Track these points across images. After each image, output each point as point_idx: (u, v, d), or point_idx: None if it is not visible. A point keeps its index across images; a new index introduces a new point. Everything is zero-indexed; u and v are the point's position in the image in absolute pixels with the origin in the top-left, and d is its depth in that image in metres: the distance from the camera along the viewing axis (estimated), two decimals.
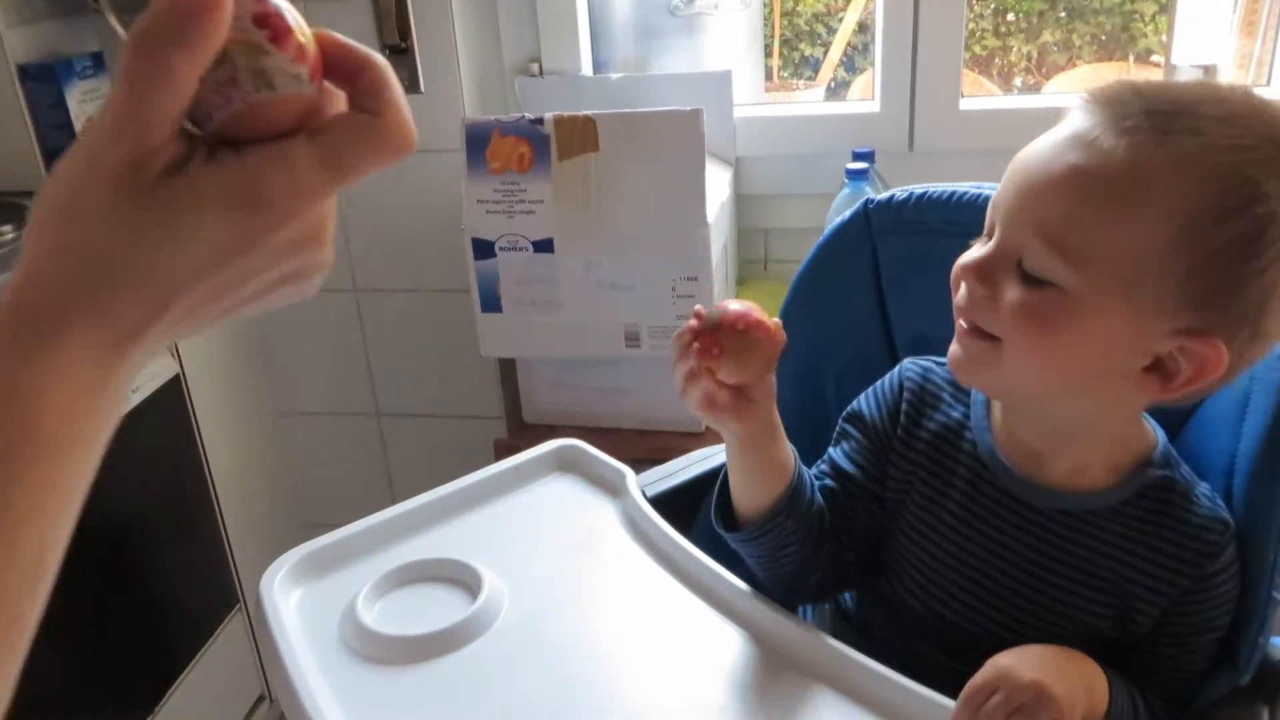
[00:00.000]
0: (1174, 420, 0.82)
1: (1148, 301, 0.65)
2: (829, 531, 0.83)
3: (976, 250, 0.72)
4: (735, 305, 0.73)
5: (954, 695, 0.67)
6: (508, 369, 1.67)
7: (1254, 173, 0.62)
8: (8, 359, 0.34)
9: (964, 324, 0.73)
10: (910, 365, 0.87)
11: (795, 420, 1.05)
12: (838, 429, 0.90)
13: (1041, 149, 0.69)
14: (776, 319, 0.74)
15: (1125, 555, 0.74)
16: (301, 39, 0.38)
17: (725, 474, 0.84)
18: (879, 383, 0.89)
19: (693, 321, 0.73)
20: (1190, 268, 0.64)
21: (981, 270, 0.70)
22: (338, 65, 0.39)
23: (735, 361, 0.72)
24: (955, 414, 0.83)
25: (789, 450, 0.81)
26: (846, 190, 1.49)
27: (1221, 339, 0.65)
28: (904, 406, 0.85)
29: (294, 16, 0.38)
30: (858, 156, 1.52)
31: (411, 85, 1.60)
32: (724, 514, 0.83)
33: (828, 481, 0.86)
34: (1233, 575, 0.74)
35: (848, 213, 1.00)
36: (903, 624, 0.84)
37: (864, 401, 0.89)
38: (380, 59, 0.40)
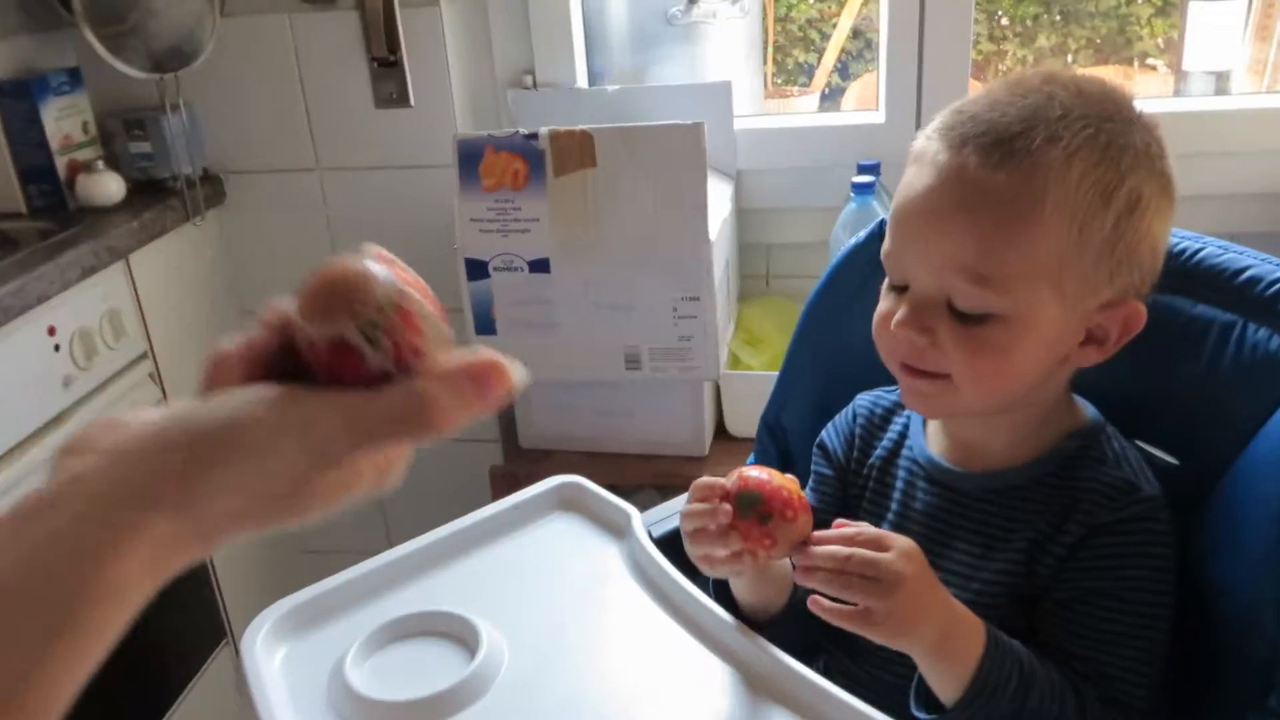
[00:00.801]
0: (1210, 468, 0.77)
1: (1074, 292, 0.71)
2: None
3: (893, 303, 0.75)
4: (760, 475, 0.73)
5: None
6: None
7: (1113, 154, 0.69)
8: (93, 524, 0.35)
9: (908, 369, 0.76)
10: (862, 397, 0.92)
11: (807, 447, 1.00)
12: (813, 457, 0.93)
13: (922, 193, 0.72)
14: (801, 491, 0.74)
15: (1035, 518, 0.77)
16: (415, 341, 0.39)
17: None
18: (839, 416, 0.93)
19: (725, 506, 0.72)
20: (1097, 252, 0.70)
21: (915, 321, 0.73)
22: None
23: (786, 548, 0.72)
24: (895, 432, 0.88)
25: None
26: (853, 205, 1.44)
27: (1135, 297, 0.73)
28: (856, 437, 0.90)
29: (428, 315, 0.39)
30: (863, 169, 1.47)
31: (401, 99, 1.55)
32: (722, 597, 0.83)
33: None
34: (1141, 541, 0.74)
35: (861, 234, 0.95)
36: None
37: (827, 432, 0.93)
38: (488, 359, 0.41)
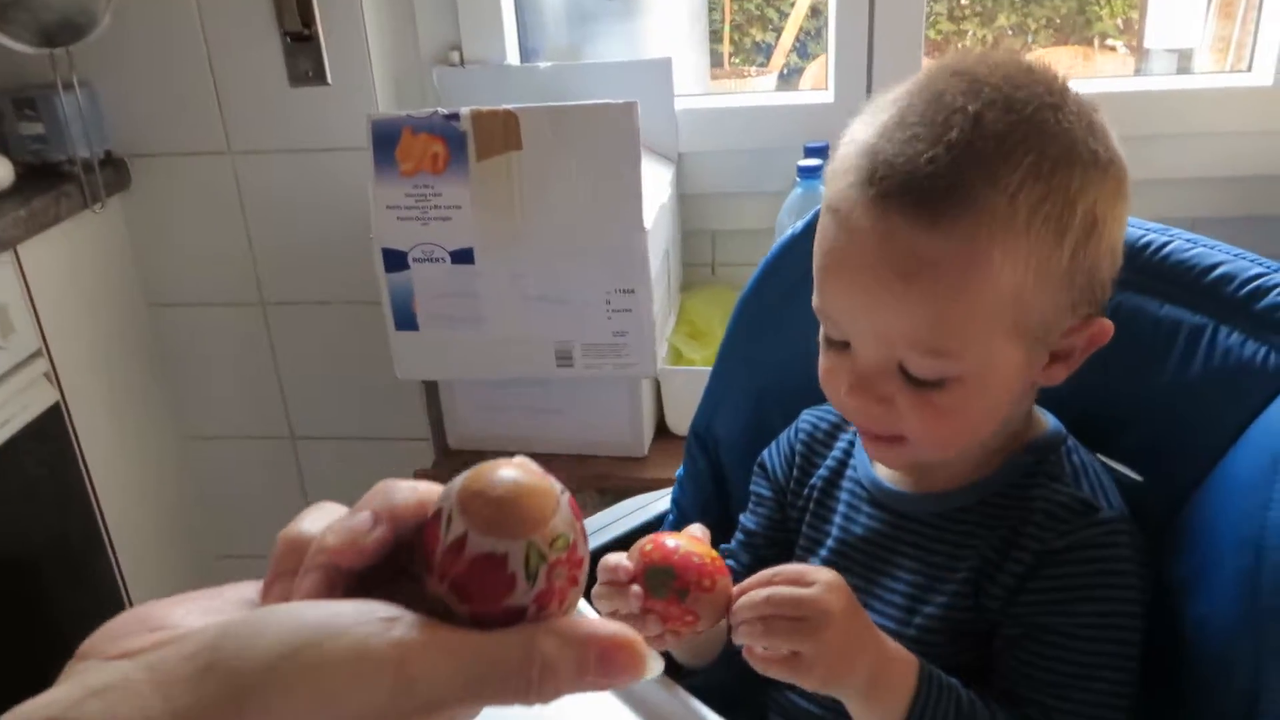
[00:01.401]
0: (1179, 486, 0.69)
1: (1036, 331, 0.64)
2: None
3: (835, 360, 0.69)
4: (668, 544, 0.65)
5: None
6: (433, 387, 1.52)
7: (1060, 179, 0.61)
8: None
9: (863, 430, 0.70)
10: (805, 416, 0.85)
11: (742, 459, 0.92)
12: (753, 476, 0.86)
13: (851, 258, 0.64)
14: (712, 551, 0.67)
15: (980, 543, 0.70)
16: (568, 591, 0.33)
17: None
18: (782, 434, 0.86)
19: (634, 588, 0.64)
20: (1055, 286, 0.63)
21: (866, 389, 0.66)
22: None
23: (711, 619, 0.65)
24: (839, 450, 0.81)
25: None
26: (799, 190, 1.35)
27: (1099, 313, 0.66)
28: (796, 458, 0.83)
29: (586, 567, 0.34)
30: (810, 152, 1.39)
31: (317, 76, 1.44)
32: None
33: (741, 558, 0.83)
34: (1096, 570, 0.66)
35: (797, 225, 0.87)
36: None
37: (768, 453, 0.86)
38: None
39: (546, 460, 1.22)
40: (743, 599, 0.63)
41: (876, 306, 0.63)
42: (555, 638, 0.31)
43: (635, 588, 0.64)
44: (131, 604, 1.57)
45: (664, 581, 0.63)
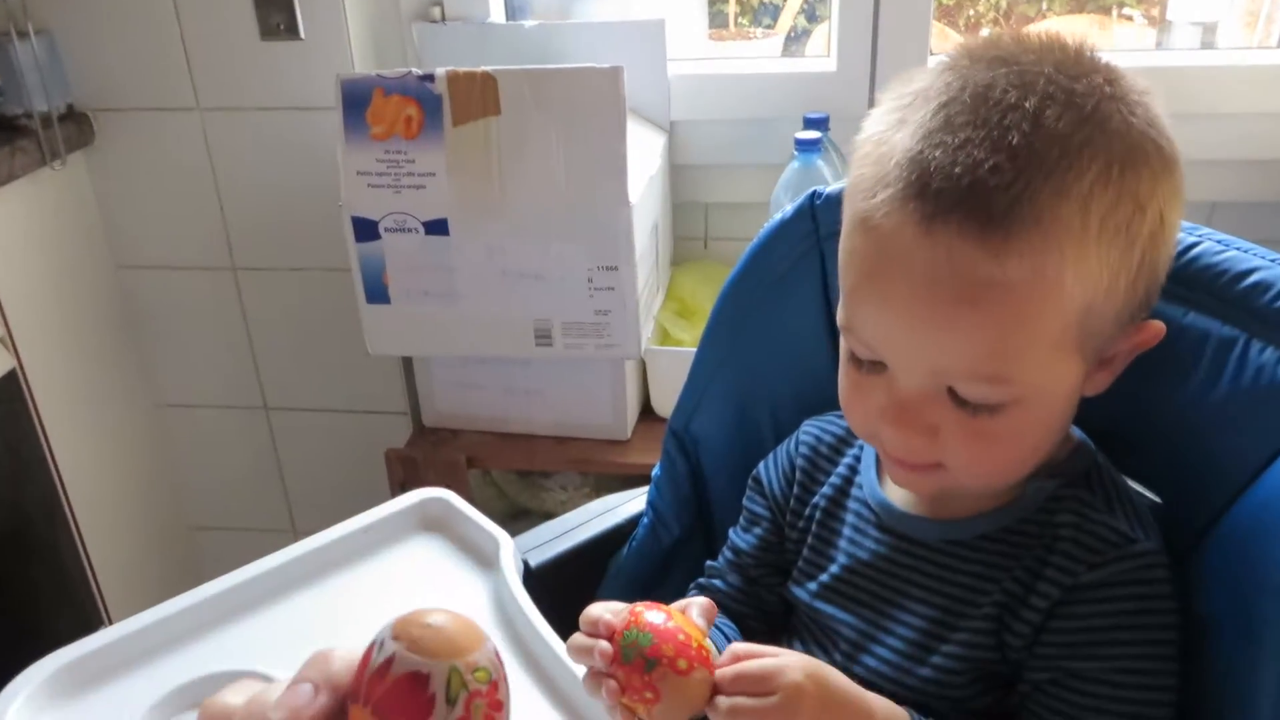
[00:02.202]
0: (1200, 512, 0.62)
1: (1096, 344, 0.59)
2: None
3: (865, 380, 0.61)
4: (657, 618, 0.57)
5: None
6: (410, 360, 1.45)
7: (1130, 181, 0.54)
8: None
9: (899, 461, 0.63)
10: (807, 428, 0.78)
11: (725, 461, 0.85)
12: (746, 490, 0.79)
13: (897, 283, 0.56)
14: (702, 622, 0.60)
15: (1002, 576, 0.63)
16: None
17: None
18: (780, 446, 0.79)
19: (604, 644, 0.57)
20: (1122, 298, 0.57)
21: (910, 419, 0.59)
22: None
23: (673, 706, 0.56)
24: (843, 468, 0.74)
25: None
26: (796, 164, 1.27)
27: (1149, 316, 0.61)
28: (797, 475, 0.76)
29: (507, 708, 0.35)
30: (810, 124, 1.30)
31: (289, 30, 1.35)
32: None
33: (730, 578, 0.77)
34: (1133, 608, 0.60)
35: (789, 208, 0.79)
36: None
37: (765, 466, 0.79)
38: None
39: (526, 441, 1.15)
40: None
41: (928, 336, 0.56)
42: None
43: (604, 644, 0.57)
44: (96, 579, 1.51)
45: (636, 649, 0.56)
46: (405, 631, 0.33)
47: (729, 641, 0.71)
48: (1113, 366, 0.62)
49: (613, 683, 0.56)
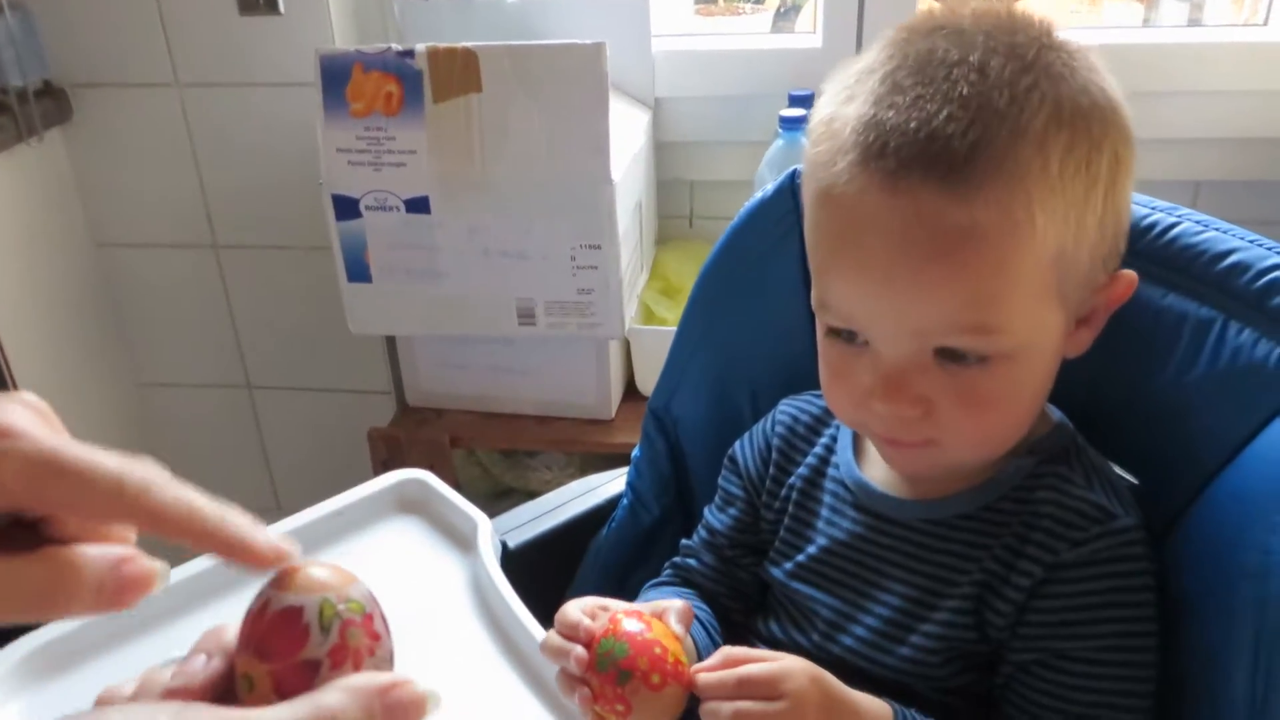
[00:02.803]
0: (1175, 494, 0.62)
1: (1075, 292, 0.59)
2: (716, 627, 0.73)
3: (846, 355, 0.61)
4: (635, 628, 0.57)
5: None
6: (393, 339, 1.44)
7: (1080, 121, 0.55)
8: None
9: (891, 441, 0.62)
10: (784, 407, 0.77)
11: (704, 442, 0.85)
12: (722, 469, 0.79)
13: (867, 247, 0.56)
14: (679, 628, 0.60)
15: (982, 555, 0.63)
16: (363, 653, 0.36)
17: None
18: (757, 425, 0.78)
19: (579, 650, 0.57)
20: (1092, 240, 0.58)
21: (900, 390, 0.58)
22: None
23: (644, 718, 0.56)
24: (820, 448, 0.74)
25: None
26: (780, 142, 1.27)
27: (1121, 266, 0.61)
28: (774, 455, 0.75)
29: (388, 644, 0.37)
30: (795, 101, 1.30)
31: (269, 5, 1.34)
32: None
33: (705, 557, 0.77)
34: (1115, 585, 0.60)
35: (769, 188, 0.79)
36: None
37: (741, 446, 0.78)
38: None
39: (510, 420, 1.15)
40: (706, 707, 0.56)
41: (906, 295, 0.55)
42: (339, 691, 0.33)
43: (580, 650, 0.57)
44: None
45: (611, 659, 0.55)
46: (278, 581, 0.35)
47: (704, 627, 0.71)
48: (1092, 324, 0.62)
49: (586, 690, 0.56)
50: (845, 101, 0.57)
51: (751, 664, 0.56)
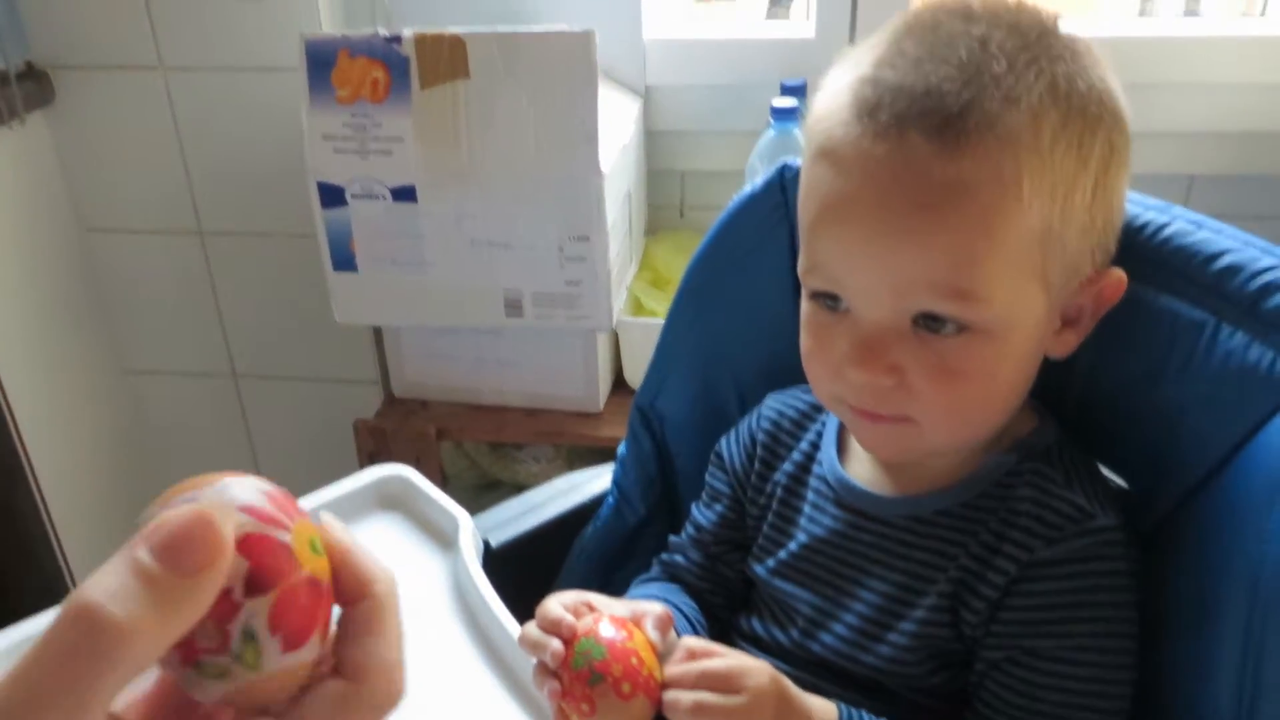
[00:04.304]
0: (1172, 497, 0.61)
1: (1059, 278, 0.58)
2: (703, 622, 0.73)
3: (824, 324, 0.61)
4: (616, 635, 0.57)
5: None
6: (380, 329, 1.43)
7: (1076, 101, 0.56)
8: None
9: (862, 412, 0.61)
10: (769, 403, 0.77)
11: (690, 439, 0.84)
12: (709, 465, 0.79)
13: (856, 196, 0.56)
14: (656, 635, 0.59)
15: (959, 552, 0.63)
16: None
17: None
18: (742, 421, 0.78)
19: (556, 644, 0.57)
20: (1080, 225, 0.57)
21: (873, 355, 0.58)
22: (340, 587, 0.33)
23: None
24: (805, 444, 0.73)
25: None
26: (771, 133, 1.25)
27: (1109, 263, 0.61)
28: (758, 449, 0.75)
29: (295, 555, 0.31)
30: (786, 91, 1.28)
31: None
32: None
33: (691, 553, 0.77)
34: (1091, 585, 0.59)
35: (759, 181, 0.77)
36: (779, 664, 0.68)
37: (726, 442, 0.78)
38: (384, 581, 0.34)
39: (497, 412, 1.13)
40: (667, 695, 0.56)
41: (891, 250, 0.56)
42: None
43: (558, 644, 0.57)
44: (61, 548, 1.49)
45: (587, 658, 0.55)
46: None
47: (690, 623, 0.70)
48: (1079, 326, 0.61)
49: (555, 684, 0.56)
50: (850, 69, 0.59)
51: (714, 658, 0.57)
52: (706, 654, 0.57)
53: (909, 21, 0.59)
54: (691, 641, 0.58)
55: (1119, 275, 0.60)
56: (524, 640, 0.59)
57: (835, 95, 0.58)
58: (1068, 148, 0.55)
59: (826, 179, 0.58)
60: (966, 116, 0.53)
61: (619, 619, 0.58)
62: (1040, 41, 0.56)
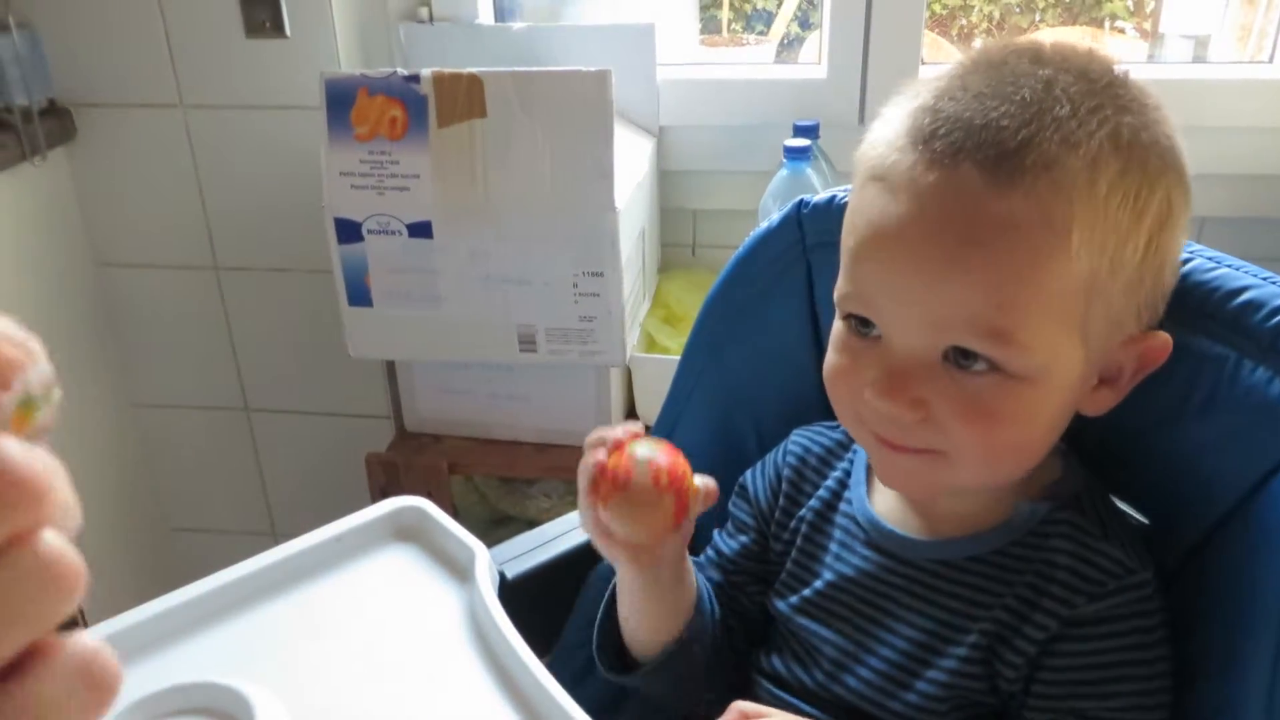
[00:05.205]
0: (1191, 535, 0.61)
1: (1099, 333, 0.56)
2: (725, 646, 0.72)
3: (853, 349, 0.60)
4: (652, 452, 0.63)
5: None
6: (393, 364, 1.43)
7: (1138, 155, 0.55)
8: None
9: (885, 443, 0.60)
10: (796, 438, 0.77)
11: (707, 471, 0.83)
12: (732, 495, 0.79)
13: (905, 223, 0.55)
14: (703, 481, 0.64)
15: (994, 603, 0.62)
16: None
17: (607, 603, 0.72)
18: (768, 455, 0.78)
19: (600, 454, 0.64)
20: (1126, 282, 0.56)
21: (899, 386, 0.57)
22: None
23: (622, 515, 0.63)
24: (832, 481, 0.73)
25: (692, 585, 0.70)
26: (784, 172, 1.26)
27: (1156, 325, 0.59)
28: (784, 484, 0.75)
29: None
30: (799, 131, 1.29)
31: (275, 27, 1.34)
32: (606, 651, 0.72)
33: (712, 574, 0.77)
34: (1133, 643, 0.58)
35: (775, 217, 0.78)
36: (802, 705, 0.69)
37: (752, 475, 0.78)
38: None
39: (509, 447, 1.14)
40: None
41: (933, 278, 0.54)
42: None
43: (620, 430, 0.64)
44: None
45: (640, 444, 0.62)
46: None
47: (709, 598, 0.72)
48: (1117, 386, 0.60)
49: (602, 454, 0.62)
50: (910, 99, 0.58)
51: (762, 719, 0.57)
52: (759, 715, 0.57)
53: (976, 58, 0.58)
54: (744, 705, 0.57)
55: (1164, 339, 0.59)
56: (589, 444, 0.65)
57: (892, 122, 0.58)
58: (1124, 199, 0.54)
59: (876, 204, 0.57)
60: (1023, 154, 0.52)
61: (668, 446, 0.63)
62: (1108, 90, 0.55)
